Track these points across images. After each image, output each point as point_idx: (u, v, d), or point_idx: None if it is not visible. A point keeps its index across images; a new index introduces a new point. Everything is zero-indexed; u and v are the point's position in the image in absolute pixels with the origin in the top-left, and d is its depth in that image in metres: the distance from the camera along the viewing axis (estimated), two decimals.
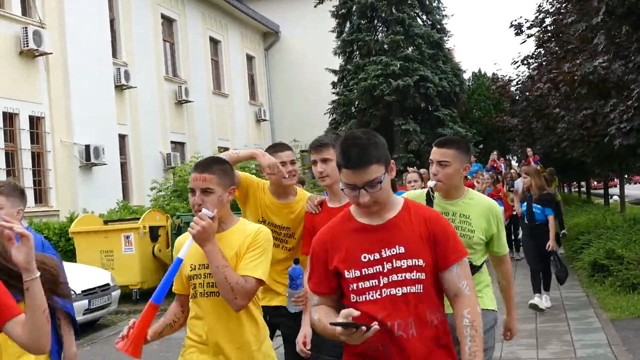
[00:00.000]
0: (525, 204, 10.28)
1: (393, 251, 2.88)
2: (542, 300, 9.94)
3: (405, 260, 2.88)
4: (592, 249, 12.54)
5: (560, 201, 15.69)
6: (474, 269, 3.98)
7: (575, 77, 12.60)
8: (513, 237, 15.62)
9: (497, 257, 4.35)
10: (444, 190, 4.19)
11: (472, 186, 11.60)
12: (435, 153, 4.19)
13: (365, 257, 2.90)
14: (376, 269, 2.88)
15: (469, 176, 16.77)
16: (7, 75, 15.95)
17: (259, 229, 3.53)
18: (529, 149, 22.37)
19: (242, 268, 3.39)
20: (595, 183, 38.32)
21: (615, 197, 26.43)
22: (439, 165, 4.12)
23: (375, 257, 2.89)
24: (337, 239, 2.99)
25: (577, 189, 40.32)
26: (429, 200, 4.22)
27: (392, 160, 3.00)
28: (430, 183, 4.23)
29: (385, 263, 2.87)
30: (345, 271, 2.91)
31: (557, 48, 16.38)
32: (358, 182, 2.88)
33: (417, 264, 2.88)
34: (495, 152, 23.12)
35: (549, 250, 9.87)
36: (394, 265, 2.87)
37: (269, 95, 31.51)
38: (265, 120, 30.57)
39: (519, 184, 13.85)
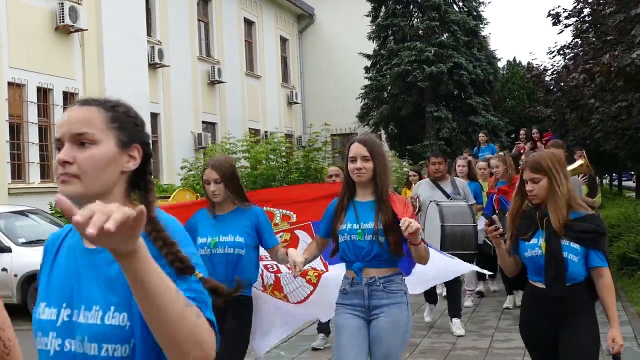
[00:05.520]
0: (538, 236, 3.97)
1: None
2: None
3: None
4: (621, 242, 12.41)
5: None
6: None
7: (612, 69, 12.43)
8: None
9: None
10: None
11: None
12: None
13: None
14: None
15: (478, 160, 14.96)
16: (42, 51, 16.10)
17: None
18: (534, 128, 18.48)
19: None
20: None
21: None
22: None
23: None
24: None
25: (608, 181, 39.82)
26: None
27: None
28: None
29: None
30: None
31: (594, 39, 16.13)
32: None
33: None
34: (523, 130, 18.91)
35: (611, 353, 3.93)
36: None
37: (302, 78, 31.52)
38: (297, 103, 30.57)
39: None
